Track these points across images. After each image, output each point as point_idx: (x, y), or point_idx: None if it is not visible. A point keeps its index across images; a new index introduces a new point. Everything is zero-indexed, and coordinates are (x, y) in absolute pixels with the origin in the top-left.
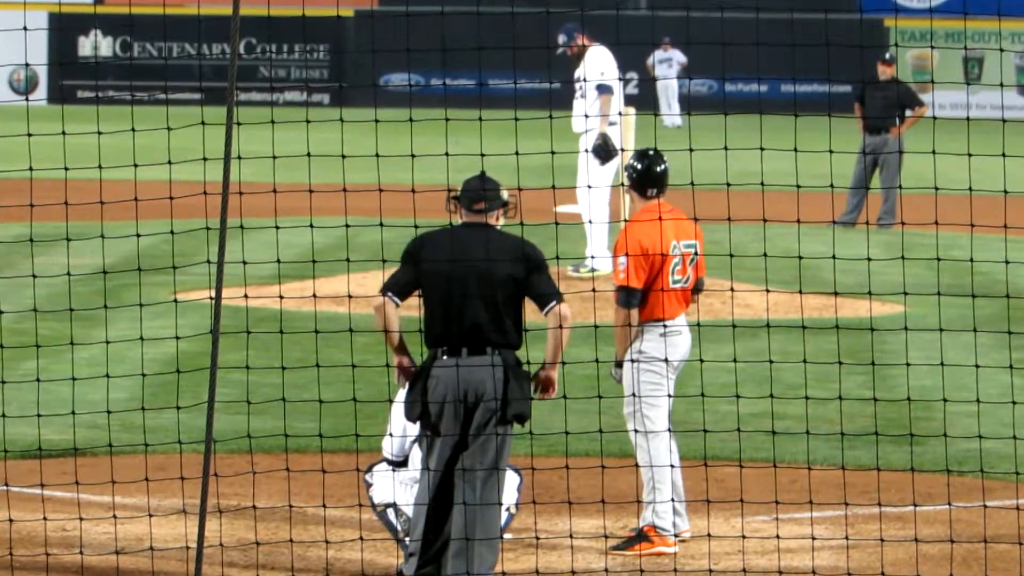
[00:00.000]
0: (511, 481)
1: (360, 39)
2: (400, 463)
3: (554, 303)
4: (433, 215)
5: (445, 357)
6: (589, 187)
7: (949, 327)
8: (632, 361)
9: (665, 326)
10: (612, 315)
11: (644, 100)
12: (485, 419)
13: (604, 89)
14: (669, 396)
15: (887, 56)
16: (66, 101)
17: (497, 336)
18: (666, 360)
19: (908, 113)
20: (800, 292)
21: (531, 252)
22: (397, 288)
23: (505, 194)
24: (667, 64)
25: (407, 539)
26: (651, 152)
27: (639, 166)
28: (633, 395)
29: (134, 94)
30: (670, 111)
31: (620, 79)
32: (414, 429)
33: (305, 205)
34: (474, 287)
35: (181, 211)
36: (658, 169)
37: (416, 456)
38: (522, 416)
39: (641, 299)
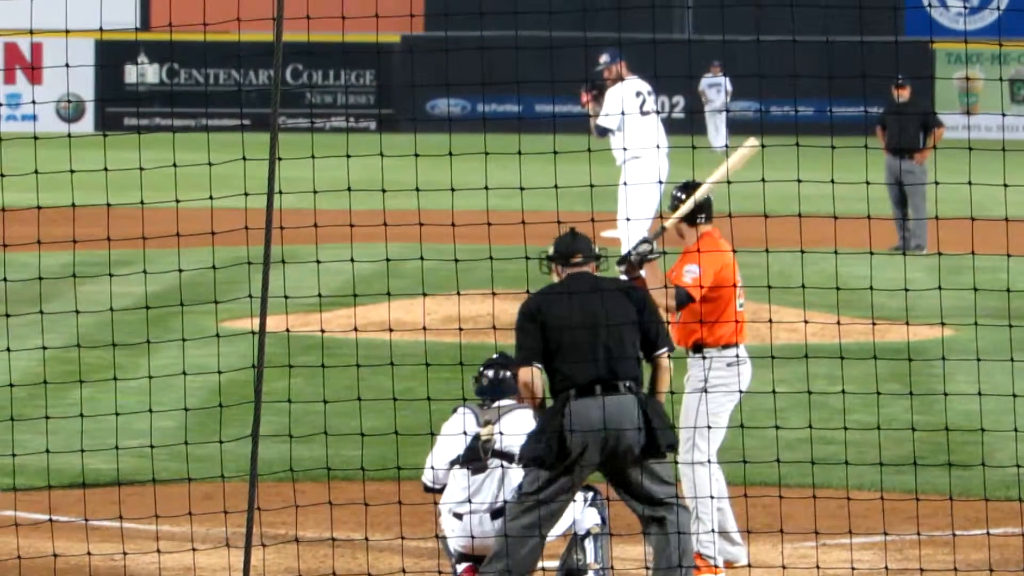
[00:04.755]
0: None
1: (405, 65)
2: (436, 490)
3: (664, 350)
4: (473, 240)
5: (579, 398)
6: (628, 219)
7: (996, 351)
8: (704, 391)
9: (737, 356)
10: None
11: (690, 126)
12: (631, 454)
13: (600, 131)
14: (725, 427)
15: (899, 79)
16: (113, 128)
17: (627, 373)
18: (700, 386)
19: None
20: (838, 319)
21: (636, 291)
22: (534, 353)
23: (596, 248)
24: (716, 89)
25: (458, 567)
26: (692, 183)
27: (684, 196)
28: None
29: (174, 122)
30: (718, 135)
31: (646, 112)
32: (448, 458)
33: (347, 231)
34: (597, 331)
35: (224, 239)
36: (686, 207)
37: (487, 485)
38: (673, 444)
39: (705, 326)
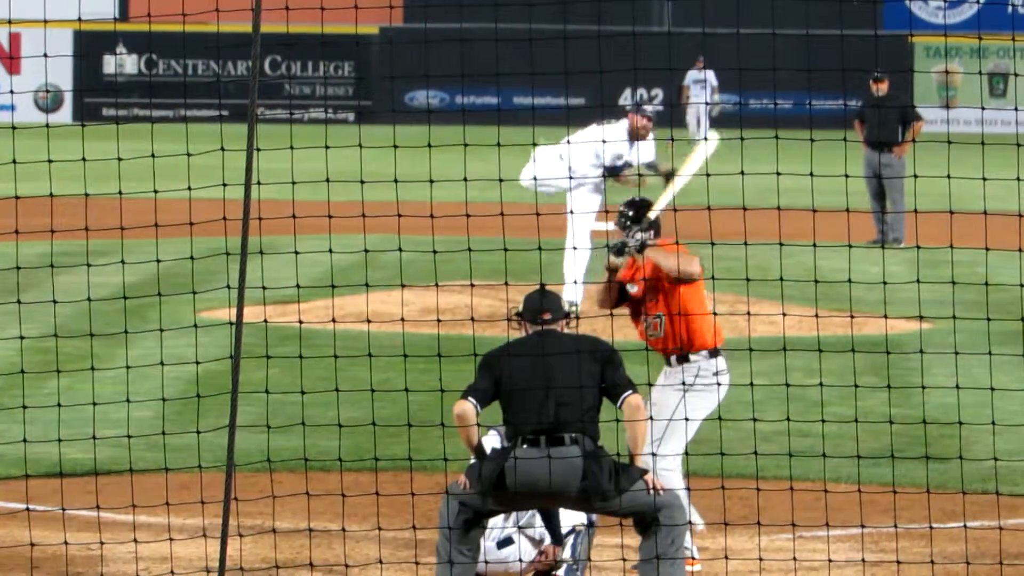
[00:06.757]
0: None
1: (384, 57)
2: None
3: (629, 393)
4: (452, 232)
5: (525, 447)
6: (571, 212)
7: (974, 344)
8: (684, 392)
9: (717, 363)
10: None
11: (671, 119)
12: (571, 499)
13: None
14: (699, 421)
15: (876, 74)
16: (91, 119)
17: (575, 427)
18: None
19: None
20: (816, 312)
21: (601, 346)
22: (479, 394)
23: (566, 305)
24: (701, 85)
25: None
26: (638, 200)
27: (631, 213)
28: (650, 418)
29: (152, 113)
30: (699, 129)
31: (603, 167)
32: None
33: (326, 221)
34: (551, 385)
35: (202, 229)
36: (651, 215)
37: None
38: (608, 493)
39: (691, 330)
